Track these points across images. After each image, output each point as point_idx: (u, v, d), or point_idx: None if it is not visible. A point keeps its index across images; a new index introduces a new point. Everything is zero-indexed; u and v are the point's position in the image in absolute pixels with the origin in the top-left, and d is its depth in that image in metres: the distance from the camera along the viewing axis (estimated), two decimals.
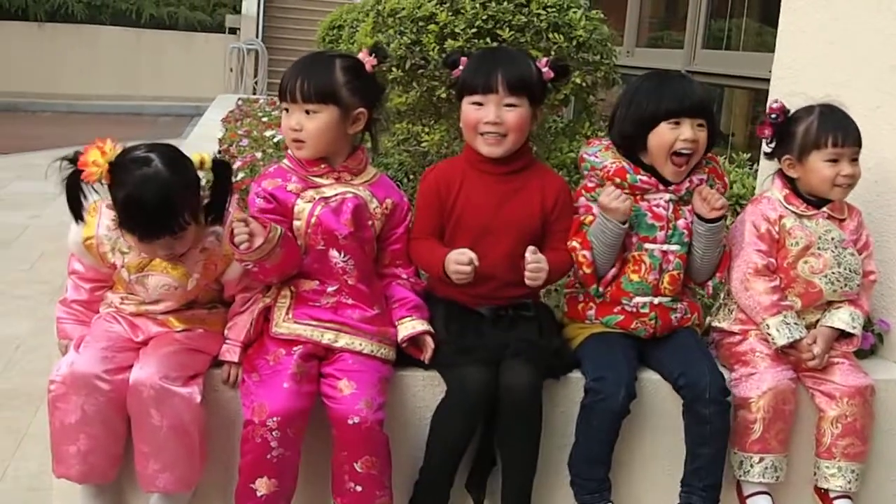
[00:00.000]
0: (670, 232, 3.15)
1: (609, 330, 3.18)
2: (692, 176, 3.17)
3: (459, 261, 3.00)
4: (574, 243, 3.16)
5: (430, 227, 3.20)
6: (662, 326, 3.18)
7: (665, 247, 3.15)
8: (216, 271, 2.98)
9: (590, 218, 3.15)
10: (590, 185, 3.21)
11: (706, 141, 3.13)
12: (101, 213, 2.93)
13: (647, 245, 3.16)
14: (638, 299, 3.16)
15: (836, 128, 3.20)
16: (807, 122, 3.23)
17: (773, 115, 3.26)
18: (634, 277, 3.16)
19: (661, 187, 3.15)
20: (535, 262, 3.02)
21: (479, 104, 3.09)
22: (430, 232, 3.20)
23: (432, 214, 3.20)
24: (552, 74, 3.19)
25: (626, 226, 3.08)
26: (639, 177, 3.14)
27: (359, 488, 2.86)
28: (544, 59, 3.24)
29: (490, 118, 3.07)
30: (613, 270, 3.16)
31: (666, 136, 3.10)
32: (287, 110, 2.99)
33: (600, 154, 3.22)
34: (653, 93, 3.16)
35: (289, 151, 3.09)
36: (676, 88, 3.15)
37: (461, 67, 3.20)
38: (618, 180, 3.13)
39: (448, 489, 3.02)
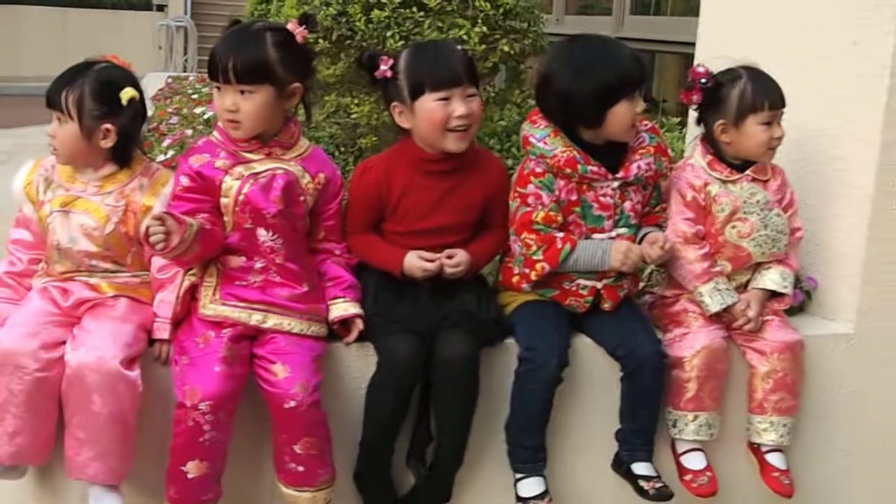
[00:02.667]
0: (617, 218, 3.13)
1: (542, 299, 3.19)
2: (640, 161, 3.11)
3: (425, 268, 3.03)
4: (529, 241, 3.08)
5: (368, 222, 3.18)
6: (612, 304, 3.18)
7: (613, 233, 3.13)
8: (135, 220, 2.93)
9: (541, 214, 3.06)
10: (538, 170, 3.11)
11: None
12: (43, 164, 2.99)
13: (594, 235, 3.12)
14: (581, 281, 3.15)
15: (769, 91, 3.22)
16: (739, 86, 3.22)
17: (703, 80, 3.24)
18: None
19: (610, 176, 3.10)
20: (452, 267, 3.07)
21: (446, 99, 3.01)
22: (367, 227, 3.18)
23: (370, 211, 3.17)
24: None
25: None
26: (590, 167, 3.07)
27: (300, 468, 2.86)
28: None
29: (461, 111, 2.99)
30: None
31: (626, 112, 3.05)
32: (219, 89, 2.92)
33: (549, 141, 3.10)
34: (604, 65, 3.05)
35: (219, 123, 3.03)
36: (629, 58, 3.09)
37: (385, 67, 3.08)
38: (568, 171, 3.06)
39: (389, 462, 3.02)
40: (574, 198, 3.10)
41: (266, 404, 2.85)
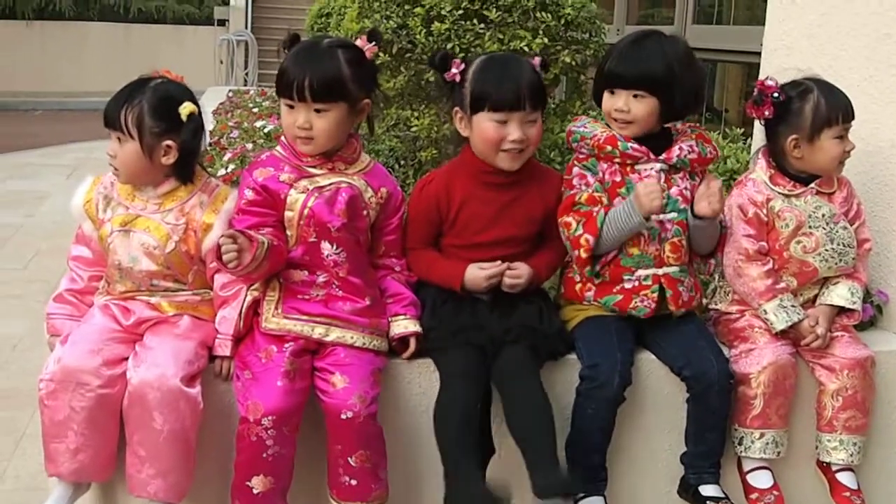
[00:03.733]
0: (665, 202, 3.07)
1: (605, 313, 3.13)
2: (681, 143, 3.13)
3: (488, 275, 3.02)
4: (569, 220, 3.08)
5: (427, 237, 3.18)
6: (674, 297, 3.10)
7: (661, 216, 3.07)
8: (196, 238, 2.94)
9: (585, 195, 3.07)
10: (581, 155, 3.15)
11: (648, 111, 3.07)
12: (102, 182, 2.99)
13: None
14: (640, 272, 3.09)
15: (842, 104, 3.16)
16: (812, 99, 3.15)
17: (776, 94, 3.16)
18: (634, 251, 3.09)
19: (652, 157, 3.11)
20: (513, 279, 3.05)
21: (503, 122, 2.99)
22: (427, 242, 3.17)
23: (429, 225, 3.16)
24: (544, 73, 3.16)
25: (650, 223, 3.03)
26: (630, 144, 3.09)
27: (353, 482, 2.84)
28: (536, 59, 3.16)
29: (516, 136, 2.98)
30: (615, 251, 3.10)
31: (606, 103, 3.13)
32: (290, 106, 2.91)
33: (589, 125, 3.18)
34: (606, 57, 3.18)
35: (282, 138, 3.03)
36: (622, 55, 3.12)
37: (455, 71, 3.07)
38: (609, 148, 3.08)
39: (477, 476, 2.84)
40: (618, 179, 3.11)
41: (324, 416, 2.84)
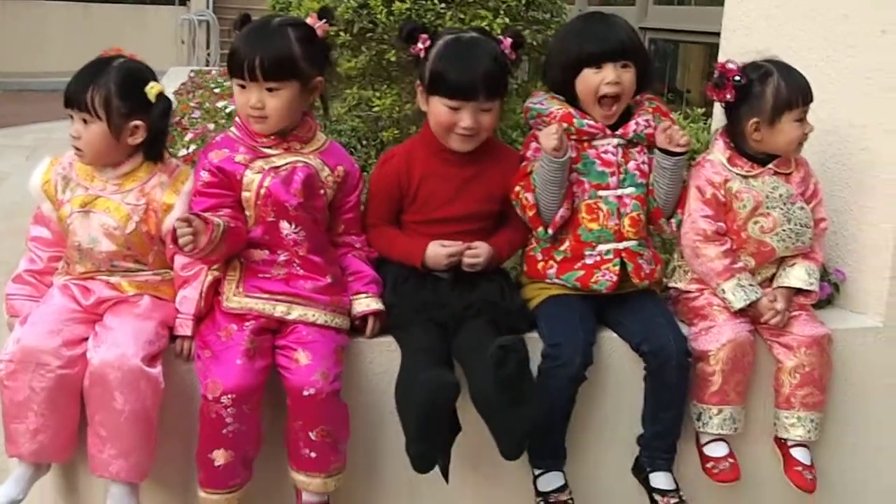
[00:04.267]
0: (622, 176, 3.13)
1: (567, 292, 3.15)
2: (637, 118, 3.16)
3: (449, 252, 3.02)
4: (517, 188, 3.13)
5: (388, 213, 3.19)
6: (635, 270, 3.14)
7: (619, 191, 3.13)
8: (156, 219, 2.93)
9: (537, 165, 3.09)
10: (537, 132, 3.15)
11: (634, 80, 3.11)
12: (60, 162, 2.97)
13: (600, 192, 3.13)
14: (601, 247, 3.13)
15: (801, 86, 3.19)
16: (773, 83, 3.17)
17: (737, 77, 3.18)
18: (593, 226, 3.13)
19: (609, 132, 3.14)
20: (472, 258, 3.06)
21: (456, 108, 3.01)
22: (388, 219, 3.19)
23: (390, 201, 3.18)
24: (515, 55, 3.14)
25: (563, 160, 3.01)
26: (585, 121, 3.12)
27: (313, 454, 2.85)
28: (507, 41, 3.13)
29: (466, 124, 3.01)
30: (562, 212, 3.10)
31: (590, 80, 3.10)
32: (242, 86, 2.90)
33: (546, 101, 3.20)
34: (574, 37, 3.18)
35: (237, 119, 3.02)
36: (597, 31, 3.14)
37: (421, 46, 3.08)
38: (565, 125, 3.10)
39: (442, 447, 2.87)
40: (573, 154, 3.11)
41: (286, 392, 2.84)
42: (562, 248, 3.17)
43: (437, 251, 3.04)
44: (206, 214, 2.77)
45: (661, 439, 3.13)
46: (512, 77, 3.20)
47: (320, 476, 2.88)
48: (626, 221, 3.14)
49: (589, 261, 3.14)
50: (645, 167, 3.17)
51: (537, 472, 3.07)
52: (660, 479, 3.11)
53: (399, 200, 3.17)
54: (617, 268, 3.12)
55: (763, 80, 3.19)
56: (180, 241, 2.68)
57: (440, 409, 2.76)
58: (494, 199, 3.18)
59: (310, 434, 2.82)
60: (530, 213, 3.11)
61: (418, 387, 2.74)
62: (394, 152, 3.26)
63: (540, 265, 3.21)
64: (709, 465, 3.18)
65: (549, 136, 2.98)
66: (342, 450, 2.92)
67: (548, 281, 3.19)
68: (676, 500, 3.06)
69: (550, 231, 3.13)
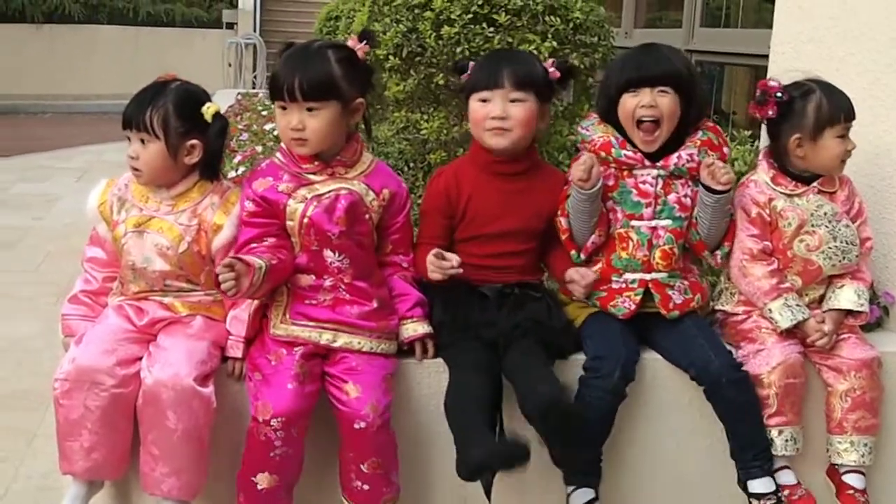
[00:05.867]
0: (659, 208, 3.13)
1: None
2: (681, 151, 3.15)
3: (438, 265, 3.00)
4: (558, 210, 3.16)
5: (437, 231, 3.21)
6: (663, 301, 3.14)
7: (653, 223, 3.13)
8: (207, 239, 2.97)
9: (569, 192, 3.12)
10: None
11: (674, 106, 3.10)
12: (116, 184, 3.03)
13: (633, 222, 3.14)
14: (628, 275, 3.15)
15: (843, 103, 3.18)
16: (815, 99, 3.18)
17: (779, 94, 3.19)
18: (623, 255, 3.15)
19: (648, 163, 3.14)
20: (584, 284, 3.11)
21: (486, 100, 3.10)
22: (436, 236, 3.20)
23: (440, 218, 3.20)
24: (558, 74, 3.18)
25: (591, 192, 3.03)
26: (624, 152, 3.13)
27: (366, 487, 2.87)
28: (550, 60, 3.23)
29: (497, 112, 3.07)
30: (594, 238, 3.13)
31: (628, 105, 3.12)
32: (283, 108, 2.93)
33: (591, 128, 3.22)
34: (618, 64, 3.22)
35: (282, 145, 3.05)
36: (639, 58, 3.18)
37: (468, 72, 3.22)
38: (603, 154, 3.13)
39: (489, 434, 2.81)
40: (611, 183, 3.15)
41: (336, 422, 2.87)
42: (594, 269, 3.18)
43: (429, 259, 3.01)
44: (248, 257, 2.78)
45: (746, 451, 3.11)
46: (553, 90, 3.23)
47: None
48: (657, 253, 3.14)
49: (615, 286, 3.16)
50: (687, 200, 3.17)
51: (570, 488, 3.06)
52: (757, 485, 3.08)
53: (450, 217, 3.19)
54: (639, 297, 3.14)
55: (805, 96, 3.20)
56: (223, 286, 2.69)
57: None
58: (541, 217, 3.19)
59: (361, 466, 2.85)
60: (564, 237, 3.16)
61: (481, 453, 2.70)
62: (442, 170, 3.30)
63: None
64: (785, 493, 3.15)
65: (577, 167, 3.02)
66: (394, 479, 2.93)
67: (574, 298, 3.21)
68: (773, 500, 3.05)
69: (583, 256, 3.17)
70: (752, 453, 3.10)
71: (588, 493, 3.04)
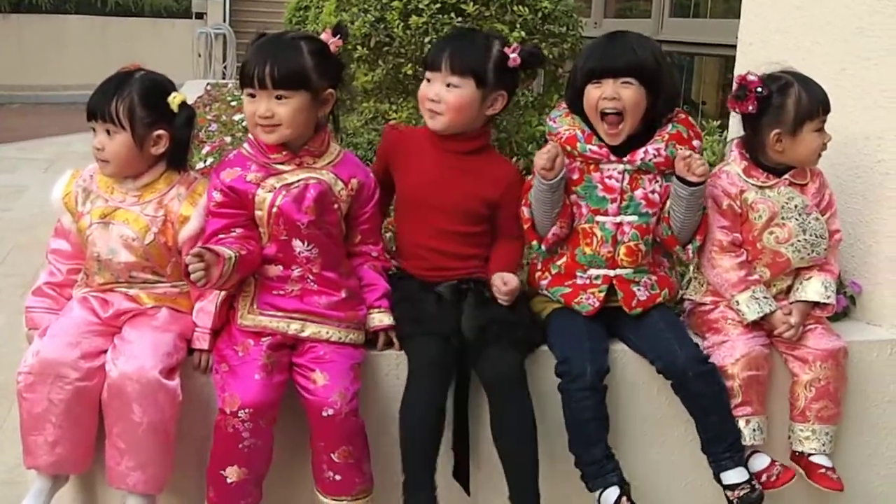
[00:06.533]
0: (625, 203, 3.12)
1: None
2: (648, 146, 3.12)
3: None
4: (522, 200, 3.17)
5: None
6: (626, 298, 3.14)
7: (618, 218, 3.12)
8: (173, 230, 2.96)
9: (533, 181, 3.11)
10: None
11: (638, 99, 3.07)
12: (81, 175, 3.01)
13: (597, 217, 3.13)
14: (592, 271, 3.15)
15: (820, 96, 3.19)
16: (793, 93, 3.18)
17: (759, 89, 3.17)
18: (587, 250, 3.15)
19: (614, 158, 3.12)
20: (506, 295, 3.07)
21: (429, 80, 3.15)
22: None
23: (376, 169, 3.25)
24: (518, 61, 3.16)
25: (552, 182, 3.01)
26: (589, 146, 3.11)
27: (338, 477, 2.87)
28: (515, 45, 3.21)
29: (430, 94, 3.12)
30: (555, 230, 3.13)
31: (591, 95, 3.10)
32: (252, 96, 2.91)
33: (558, 119, 3.21)
34: (585, 53, 3.22)
35: (249, 136, 3.03)
36: (605, 49, 3.15)
37: None
38: (568, 148, 3.12)
39: (431, 472, 2.94)
40: (576, 176, 3.14)
41: (305, 412, 2.86)
42: (558, 262, 3.20)
43: None
44: (218, 247, 2.78)
45: (717, 443, 3.10)
46: (512, 77, 3.22)
47: (346, 499, 2.90)
48: (622, 250, 3.13)
49: (579, 281, 3.16)
50: (654, 196, 3.15)
51: (596, 493, 3.03)
52: (730, 476, 3.08)
53: (384, 167, 3.28)
54: (602, 294, 3.14)
55: (783, 91, 3.20)
56: (192, 276, 2.68)
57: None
58: (483, 201, 3.18)
59: (332, 456, 2.84)
60: (526, 226, 3.16)
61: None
62: (399, 126, 3.44)
63: (537, 274, 3.26)
64: (762, 478, 3.16)
65: (541, 156, 3.01)
66: (366, 470, 2.93)
67: (540, 291, 3.23)
68: (745, 491, 3.05)
69: (544, 247, 3.17)
70: (722, 446, 3.10)
71: (614, 493, 3.00)
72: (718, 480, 3.12)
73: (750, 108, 3.20)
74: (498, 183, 3.19)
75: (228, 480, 2.79)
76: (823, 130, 3.20)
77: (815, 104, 3.17)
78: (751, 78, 3.20)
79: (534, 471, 2.97)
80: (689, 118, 3.26)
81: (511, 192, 3.20)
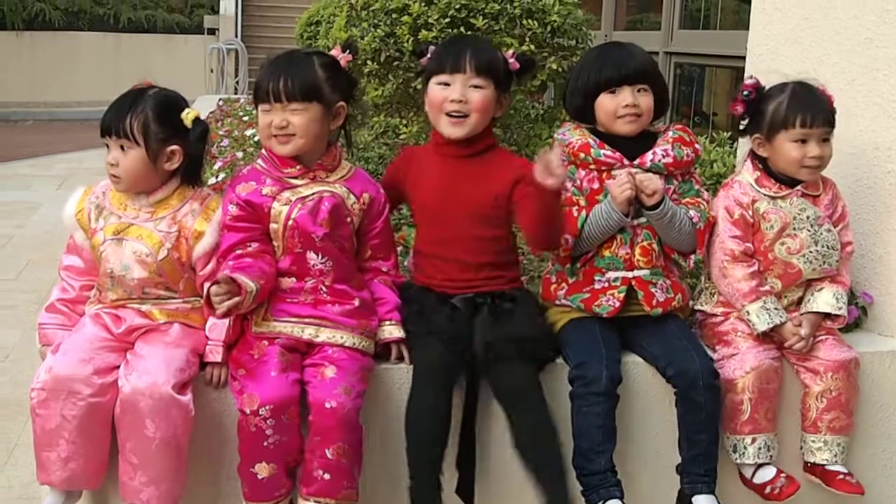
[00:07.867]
0: (638, 206, 3.12)
1: (585, 315, 3.16)
2: (657, 148, 3.16)
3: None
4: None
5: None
6: (646, 298, 3.13)
7: (634, 221, 3.12)
8: (187, 246, 2.97)
9: (563, 196, 3.05)
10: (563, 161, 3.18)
11: (651, 104, 3.15)
12: (94, 191, 3.02)
13: None
14: (610, 274, 3.14)
15: (805, 108, 3.16)
16: (777, 100, 3.18)
17: (746, 92, 3.22)
18: (606, 253, 3.15)
19: (626, 162, 3.14)
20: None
21: (446, 84, 3.12)
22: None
23: (387, 188, 3.24)
24: (517, 66, 3.21)
25: (629, 218, 3.07)
26: (602, 151, 3.14)
27: (326, 476, 2.83)
28: (510, 52, 3.27)
29: (455, 96, 3.09)
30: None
31: (607, 105, 3.14)
32: (266, 111, 2.95)
33: (568, 133, 3.23)
34: (593, 64, 3.22)
35: (263, 151, 3.06)
36: (615, 57, 3.19)
37: (429, 56, 3.24)
38: (582, 156, 3.14)
39: (437, 472, 2.93)
40: (596, 186, 3.16)
41: (309, 408, 2.86)
42: (577, 270, 3.19)
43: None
44: (241, 278, 2.79)
45: (698, 464, 3.07)
46: (511, 81, 3.26)
47: (330, 501, 2.87)
48: (637, 251, 3.14)
49: (597, 286, 3.16)
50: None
51: None
52: (702, 500, 3.05)
53: (394, 187, 3.27)
54: (622, 294, 3.13)
55: (768, 97, 3.22)
56: (217, 309, 2.72)
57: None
58: (489, 199, 3.15)
59: (326, 451, 2.82)
60: (562, 254, 3.15)
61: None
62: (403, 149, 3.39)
63: (553, 287, 3.25)
64: (767, 490, 3.15)
65: (621, 187, 3.04)
66: (355, 477, 2.90)
67: (557, 302, 3.22)
68: None
69: (578, 266, 3.18)
70: (703, 468, 3.07)
71: None
72: (687, 502, 3.09)
73: (739, 109, 3.25)
74: (506, 177, 3.15)
75: (259, 476, 2.81)
76: (809, 143, 3.16)
77: (793, 115, 3.15)
78: (747, 81, 3.25)
79: (563, 476, 2.94)
80: (686, 127, 3.32)
81: (527, 176, 3.13)
